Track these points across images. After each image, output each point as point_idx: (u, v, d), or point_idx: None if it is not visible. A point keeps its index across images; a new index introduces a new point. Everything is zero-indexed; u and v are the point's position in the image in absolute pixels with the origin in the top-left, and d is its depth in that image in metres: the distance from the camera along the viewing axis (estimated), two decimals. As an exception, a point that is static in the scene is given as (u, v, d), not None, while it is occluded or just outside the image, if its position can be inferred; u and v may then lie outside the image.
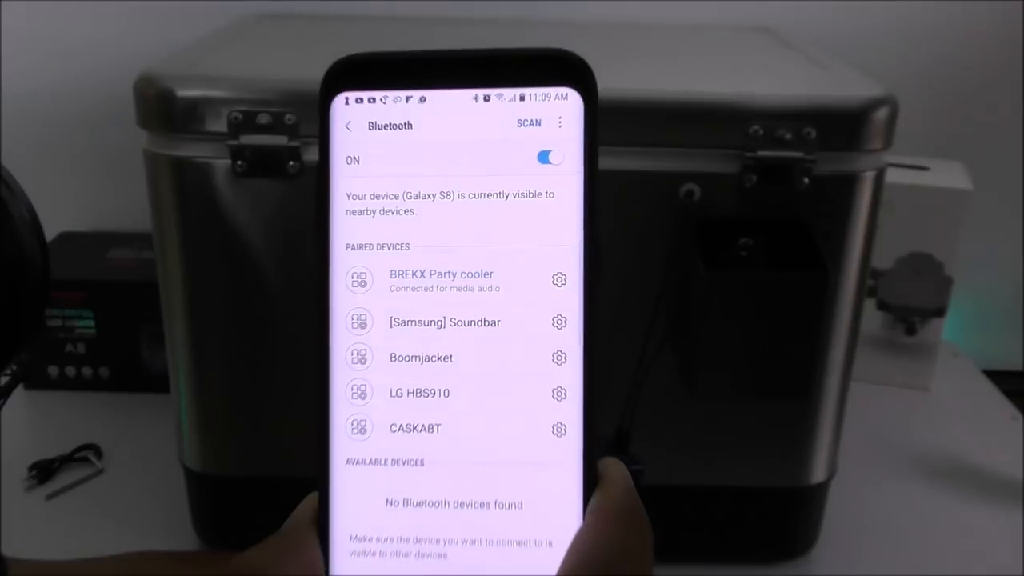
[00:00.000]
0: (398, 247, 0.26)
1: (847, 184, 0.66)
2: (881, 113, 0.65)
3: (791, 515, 0.77)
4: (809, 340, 0.64)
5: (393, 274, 0.26)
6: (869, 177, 0.66)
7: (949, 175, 1.02)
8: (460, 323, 0.26)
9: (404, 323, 0.26)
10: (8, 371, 0.54)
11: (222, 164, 0.65)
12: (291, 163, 0.64)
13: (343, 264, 0.26)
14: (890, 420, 1.01)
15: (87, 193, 1.14)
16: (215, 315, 0.70)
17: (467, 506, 0.26)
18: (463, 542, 0.26)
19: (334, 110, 0.26)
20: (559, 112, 0.26)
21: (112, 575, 0.63)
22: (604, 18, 1.05)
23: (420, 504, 0.26)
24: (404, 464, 0.26)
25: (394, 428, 0.26)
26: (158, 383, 1.00)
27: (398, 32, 0.88)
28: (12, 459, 0.88)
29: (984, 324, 1.20)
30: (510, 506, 0.26)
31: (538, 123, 0.26)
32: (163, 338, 0.72)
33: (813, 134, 0.64)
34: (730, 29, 0.95)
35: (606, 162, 0.64)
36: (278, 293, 0.68)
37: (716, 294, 0.63)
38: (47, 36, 1.07)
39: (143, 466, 0.89)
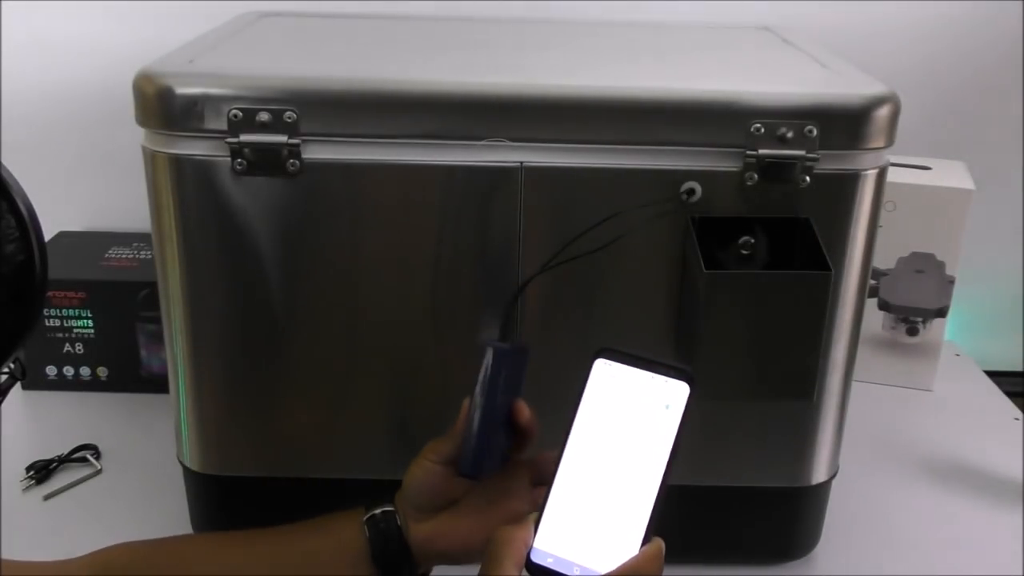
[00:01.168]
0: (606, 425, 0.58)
1: (849, 182, 0.66)
2: (883, 111, 0.65)
3: (792, 515, 0.77)
4: (811, 340, 0.64)
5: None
6: (871, 175, 0.66)
7: (951, 175, 1.01)
8: (623, 460, 0.56)
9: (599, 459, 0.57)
10: (5, 370, 0.54)
11: (222, 162, 0.64)
12: (291, 161, 0.64)
13: (577, 427, 0.56)
14: (892, 420, 1.01)
15: (86, 192, 1.14)
16: (214, 315, 0.69)
17: (599, 528, 0.56)
18: (594, 540, 0.56)
19: (595, 365, 0.57)
20: (678, 389, 0.55)
21: (93, 574, 0.63)
22: (606, 17, 1.05)
23: (583, 516, 0.56)
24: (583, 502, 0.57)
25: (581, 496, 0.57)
26: (156, 383, 1.00)
27: (396, 30, 0.87)
28: (10, 459, 0.88)
29: (986, 324, 1.19)
30: (614, 535, 0.55)
31: (668, 391, 0.55)
32: (161, 338, 0.71)
33: (815, 132, 0.64)
34: (731, 28, 0.95)
35: (607, 159, 0.65)
36: (278, 292, 0.68)
37: (717, 293, 0.63)
38: (46, 36, 1.07)
39: (142, 466, 0.89)
